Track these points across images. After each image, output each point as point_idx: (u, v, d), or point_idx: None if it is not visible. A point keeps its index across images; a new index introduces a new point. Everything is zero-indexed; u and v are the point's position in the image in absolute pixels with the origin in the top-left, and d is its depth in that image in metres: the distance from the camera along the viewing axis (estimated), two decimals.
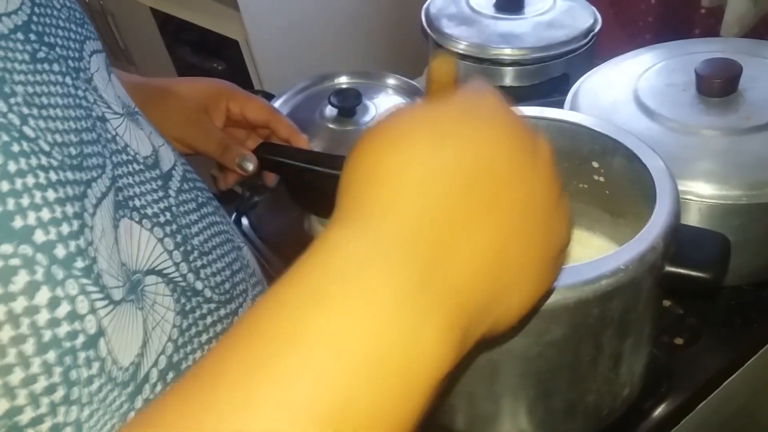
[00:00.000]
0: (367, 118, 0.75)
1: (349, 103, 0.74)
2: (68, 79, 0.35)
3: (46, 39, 0.34)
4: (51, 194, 0.29)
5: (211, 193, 0.49)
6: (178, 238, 0.39)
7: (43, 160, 0.29)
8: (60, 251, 0.29)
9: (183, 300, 0.38)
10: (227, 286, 0.43)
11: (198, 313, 0.39)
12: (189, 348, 0.37)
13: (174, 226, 0.39)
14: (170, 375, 0.36)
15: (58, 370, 0.28)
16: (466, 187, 0.25)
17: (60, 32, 0.36)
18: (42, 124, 0.30)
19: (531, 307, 0.28)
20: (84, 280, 0.29)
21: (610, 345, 0.47)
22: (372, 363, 0.22)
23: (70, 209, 0.30)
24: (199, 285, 0.40)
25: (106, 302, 0.31)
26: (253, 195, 0.86)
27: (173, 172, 0.43)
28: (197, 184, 0.46)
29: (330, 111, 0.76)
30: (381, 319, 0.22)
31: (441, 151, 0.25)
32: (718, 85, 0.60)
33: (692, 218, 0.56)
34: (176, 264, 0.38)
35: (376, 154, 0.26)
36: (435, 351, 0.23)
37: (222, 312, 0.41)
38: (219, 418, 0.20)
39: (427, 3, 0.85)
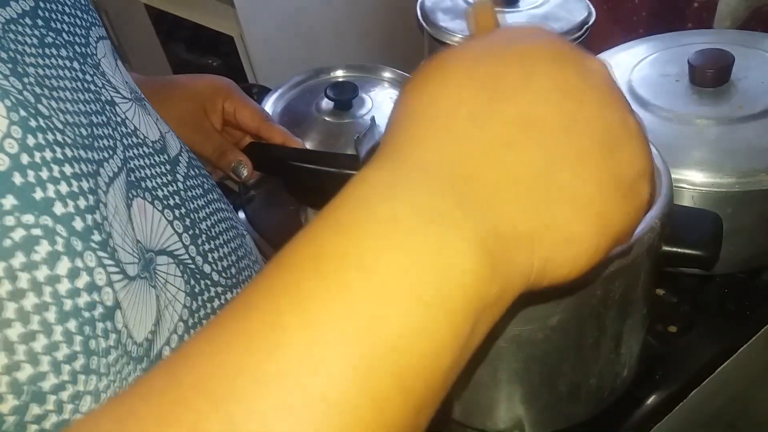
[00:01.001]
0: (364, 111, 0.76)
1: (346, 96, 0.75)
2: (76, 64, 0.35)
3: (53, 25, 0.35)
4: (68, 169, 0.29)
5: (214, 182, 0.50)
6: (187, 221, 0.40)
7: (59, 137, 0.30)
8: (78, 224, 0.29)
9: (192, 282, 0.38)
10: (233, 270, 0.43)
11: (206, 295, 0.40)
12: (199, 328, 0.38)
13: (183, 210, 0.40)
14: None
15: (78, 338, 0.29)
16: (496, 106, 0.24)
17: (66, 18, 0.37)
18: (54, 104, 0.31)
19: (605, 246, 0.25)
20: (101, 253, 0.30)
21: (612, 326, 0.48)
22: (400, 278, 0.20)
23: (85, 184, 0.30)
24: (207, 268, 0.40)
25: (121, 276, 0.31)
26: (250, 189, 0.87)
27: (180, 157, 0.43)
28: (202, 171, 0.46)
29: (326, 104, 0.76)
30: (405, 235, 0.21)
31: (471, 76, 0.25)
32: (711, 75, 0.60)
33: (686, 205, 0.57)
34: (185, 246, 0.39)
35: (409, 95, 0.26)
36: (467, 269, 0.21)
37: (229, 296, 0.42)
38: (249, 343, 0.20)
39: None
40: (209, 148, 0.63)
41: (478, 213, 0.22)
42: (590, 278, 0.41)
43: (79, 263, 0.29)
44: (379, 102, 0.77)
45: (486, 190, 0.23)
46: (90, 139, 0.33)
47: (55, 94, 0.31)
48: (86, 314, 0.29)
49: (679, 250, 0.47)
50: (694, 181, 0.56)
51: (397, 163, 0.23)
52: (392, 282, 0.20)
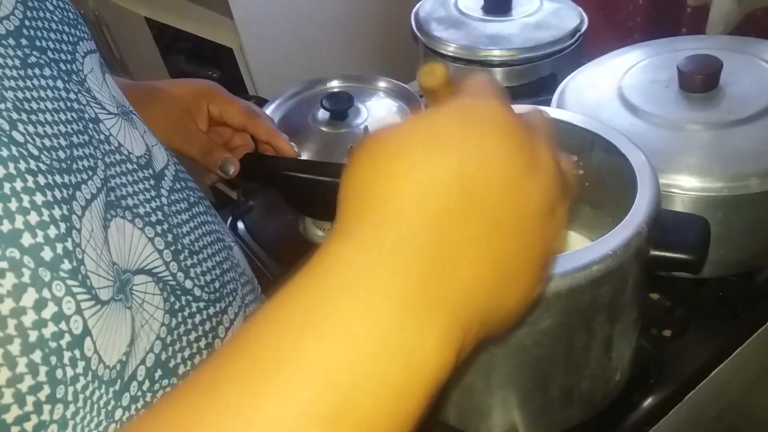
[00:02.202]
0: (359, 120, 0.77)
1: (341, 106, 0.76)
2: (59, 83, 0.35)
3: (37, 43, 0.35)
4: (39, 197, 0.29)
5: (202, 193, 0.50)
6: (169, 237, 0.40)
7: (32, 164, 0.30)
8: (47, 254, 0.29)
9: (172, 299, 0.38)
10: (216, 285, 0.44)
11: (187, 311, 0.40)
12: (177, 346, 0.38)
13: (165, 226, 0.40)
14: (158, 372, 0.36)
15: (44, 369, 0.29)
16: (465, 198, 0.25)
17: (52, 35, 0.37)
18: (31, 129, 0.31)
19: (521, 312, 0.28)
20: (71, 282, 0.30)
21: (601, 330, 0.48)
22: (370, 372, 0.22)
23: (57, 212, 0.30)
24: (188, 284, 0.40)
25: (92, 302, 0.31)
26: (249, 199, 0.88)
27: (166, 171, 0.44)
28: (189, 184, 0.47)
29: (322, 114, 0.77)
30: (378, 335, 0.22)
31: (438, 163, 0.25)
32: (700, 81, 0.61)
33: (676, 210, 0.58)
34: (166, 263, 0.39)
35: (374, 168, 0.25)
36: (435, 359, 0.23)
37: (211, 311, 0.42)
38: (217, 420, 0.20)
39: (416, 7, 0.86)
40: (195, 148, 0.63)
41: (444, 307, 0.24)
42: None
43: (46, 294, 0.29)
44: (374, 111, 0.78)
45: (456, 282, 0.24)
46: (68, 162, 0.33)
47: (33, 117, 0.32)
48: (52, 344, 0.29)
49: (667, 254, 0.47)
50: (683, 185, 0.56)
51: (366, 246, 0.24)
52: (365, 368, 0.22)
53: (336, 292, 0.22)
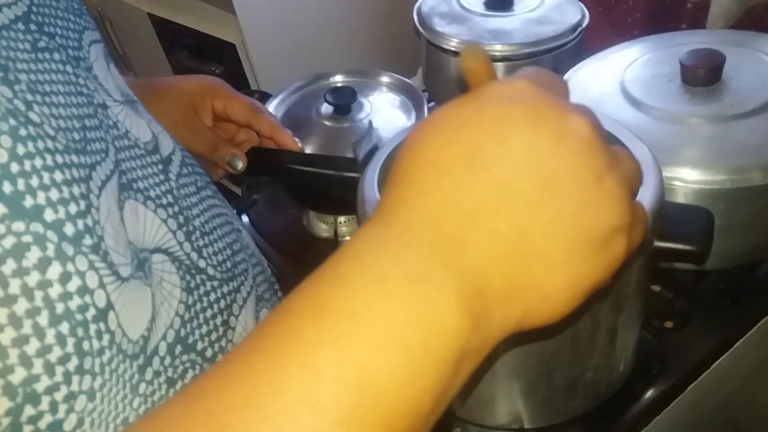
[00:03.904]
0: (362, 114, 0.77)
1: (345, 101, 0.76)
2: (69, 68, 0.36)
3: (45, 29, 0.35)
4: (58, 175, 0.30)
5: (209, 178, 0.51)
6: (180, 219, 0.41)
7: (49, 144, 0.30)
8: (69, 229, 0.30)
9: (188, 277, 0.39)
10: (228, 264, 0.44)
11: (202, 289, 0.41)
12: (195, 323, 0.39)
13: (176, 208, 0.41)
14: (178, 348, 0.37)
15: (71, 341, 0.29)
16: (477, 171, 0.26)
17: (59, 22, 0.37)
18: (46, 110, 0.32)
19: (579, 297, 0.27)
20: (93, 257, 0.31)
21: (606, 320, 0.49)
22: (390, 330, 0.23)
23: (76, 190, 0.31)
24: (202, 263, 0.41)
25: (114, 278, 0.32)
26: (253, 193, 0.88)
27: (172, 157, 0.44)
28: (196, 169, 0.47)
29: (326, 109, 0.78)
30: (395, 293, 0.24)
31: (453, 141, 0.26)
32: (702, 75, 0.62)
33: (679, 202, 0.58)
34: (180, 243, 0.40)
35: (404, 156, 0.28)
36: (450, 325, 0.24)
37: (225, 289, 0.43)
38: (255, 381, 0.23)
39: (418, 2, 0.87)
40: (202, 145, 0.64)
41: (460, 274, 0.25)
42: (576, 317, 0.43)
43: (70, 267, 0.30)
44: (377, 106, 0.79)
45: (467, 253, 0.25)
46: (82, 143, 0.33)
47: (47, 99, 0.32)
48: (78, 317, 0.30)
49: (670, 245, 0.48)
50: (686, 178, 0.57)
51: (388, 225, 0.26)
52: (382, 335, 0.23)
53: (352, 266, 0.25)
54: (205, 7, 1.27)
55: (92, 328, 0.30)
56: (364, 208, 0.50)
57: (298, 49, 1.30)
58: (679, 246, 0.48)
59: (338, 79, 0.84)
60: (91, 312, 0.30)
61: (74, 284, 0.30)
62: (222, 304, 0.42)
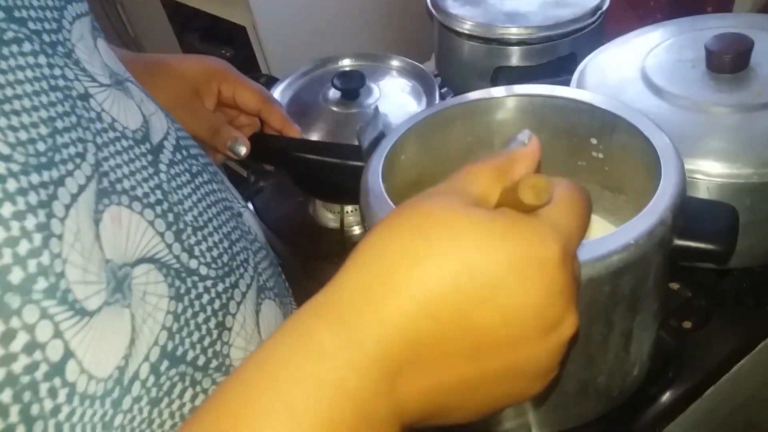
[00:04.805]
0: (371, 100, 0.74)
1: (353, 85, 0.73)
2: (42, 58, 0.32)
3: (16, 14, 0.32)
4: (7, 209, 0.26)
5: (207, 158, 0.48)
6: (170, 217, 0.38)
7: (1, 168, 0.27)
8: (16, 275, 0.26)
9: (177, 283, 0.37)
10: (225, 258, 0.42)
11: (194, 293, 0.38)
12: (185, 332, 0.36)
13: (165, 205, 0.38)
14: (164, 364, 0.34)
15: (15, 409, 0.26)
16: (460, 331, 0.25)
17: (34, 2, 0.34)
18: (4, 122, 0.28)
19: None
20: (46, 302, 0.27)
21: (620, 322, 0.46)
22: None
23: (31, 222, 0.27)
24: (193, 263, 0.38)
25: (76, 319, 0.29)
26: (259, 180, 0.86)
27: (164, 142, 0.41)
28: (192, 151, 0.44)
29: (333, 94, 0.75)
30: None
31: (459, 285, 0.25)
32: (729, 61, 0.58)
33: (702, 197, 0.55)
34: (168, 245, 0.37)
35: (391, 249, 0.26)
36: None
37: (220, 287, 0.40)
38: None
39: None
40: (202, 128, 0.61)
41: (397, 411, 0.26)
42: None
43: (14, 323, 0.26)
44: (386, 91, 0.76)
45: (415, 391, 0.26)
46: (50, 153, 0.30)
47: (6, 107, 0.29)
48: (24, 379, 0.26)
49: (692, 243, 0.45)
50: (710, 171, 0.54)
51: (349, 336, 0.25)
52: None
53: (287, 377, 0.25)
54: None
55: (43, 387, 0.27)
56: (367, 199, 0.47)
57: (310, 32, 1.27)
58: (701, 245, 0.45)
59: (346, 63, 0.81)
60: (42, 369, 0.27)
61: (19, 342, 0.26)
62: (217, 304, 0.39)
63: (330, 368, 0.24)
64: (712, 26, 0.65)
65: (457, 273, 0.25)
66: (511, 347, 0.26)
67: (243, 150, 0.63)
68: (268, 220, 0.80)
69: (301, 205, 0.82)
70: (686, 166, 0.54)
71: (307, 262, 0.75)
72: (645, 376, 0.55)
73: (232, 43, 1.33)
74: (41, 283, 0.27)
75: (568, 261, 0.27)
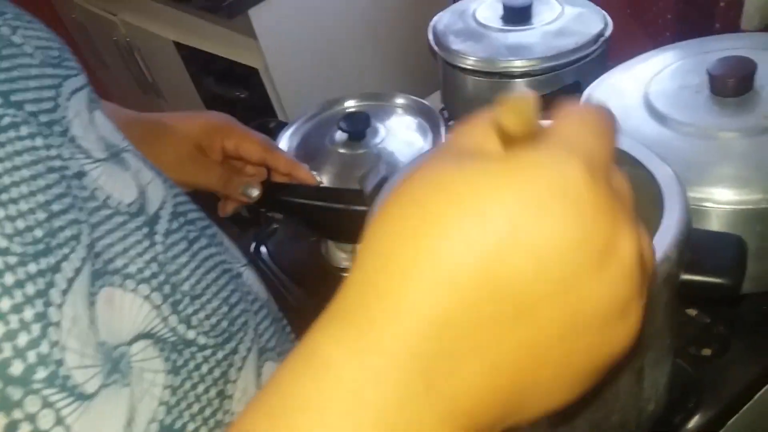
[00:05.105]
0: (377, 140, 0.75)
1: (358, 127, 0.74)
2: (39, 140, 0.33)
3: (12, 98, 0.33)
4: (5, 303, 0.27)
5: (207, 221, 0.48)
6: (166, 289, 0.38)
7: None
8: (16, 368, 0.27)
9: (174, 356, 0.37)
10: (224, 324, 0.42)
11: (192, 364, 0.38)
12: (184, 404, 0.36)
13: (162, 278, 0.38)
14: None
15: None
16: (490, 294, 0.20)
17: (31, 83, 0.35)
18: (1, 212, 0.29)
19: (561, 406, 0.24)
20: (47, 391, 0.28)
21: (630, 361, 0.45)
22: None
23: (29, 313, 0.28)
24: (191, 334, 0.39)
25: (77, 404, 0.29)
26: (272, 222, 0.87)
27: (161, 212, 0.42)
28: (189, 216, 0.45)
29: (340, 136, 0.76)
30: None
31: (470, 243, 0.20)
32: (732, 84, 0.57)
33: (711, 225, 0.54)
34: (165, 319, 0.37)
35: (398, 230, 0.21)
36: None
37: (219, 355, 0.40)
38: None
39: (434, 20, 0.84)
40: (214, 179, 0.62)
41: (453, 418, 0.21)
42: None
43: (17, 415, 0.26)
44: (393, 129, 0.76)
45: (463, 391, 0.21)
46: (47, 239, 0.30)
47: (5, 197, 0.29)
48: None
49: (699, 278, 0.44)
50: (718, 199, 0.53)
51: (363, 350, 0.21)
52: None
53: (321, 401, 0.20)
54: (227, 34, 1.28)
55: None
56: None
57: (320, 73, 1.29)
58: (709, 278, 0.44)
59: (351, 104, 0.82)
60: None
61: None
62: (216, 373, 0.39)
63: (338, 382, 0.20)
64: (717, 48, 0.65)
65: (465, 231, 0.20)
66: (561, 294, 0.21)
67: (255, 192, 0.64)
68: (281, 263, 0.80)
69: (313, 246, 0.82)
70: (693, 195, 0.53)
71: (320, 303, 0.75)
72: (664, 408, 0.53)
73: (246, 85, 1.35)
74: (41, 373, 0.27)
75: (599, 175, 0.21)
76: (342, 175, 0.73)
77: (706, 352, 0.60)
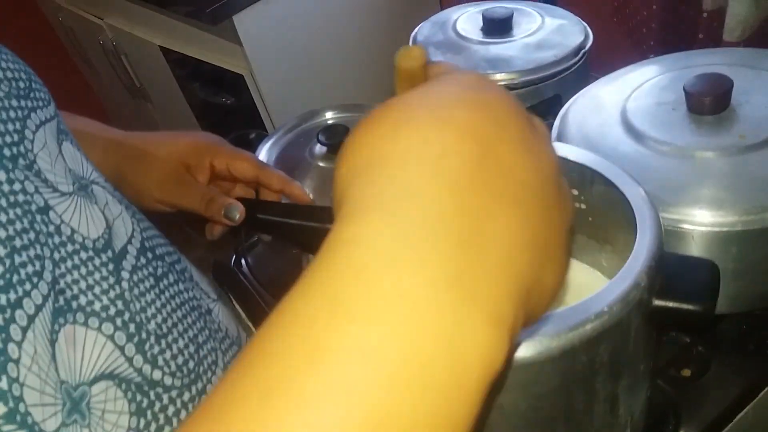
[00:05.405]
0: None
1: (338, 140, 0.73)
2: (1, 175, 0.33)
3: None
4: None
5: (176, 255, 0.48)
6: (132, 327, 0.37)
7: None
8: None
9: (139, 397, 0.36)
10: (191, 365, 0.41)
11: (158, 406, 0.37)
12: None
13: (126, 316, 0.38)
14: None
15: None
16: (479, 161, 0.22)
17: None
18: None
19: (559, 288, 0.25)
20: (6, 428, 0.28)
21: (603, 389, 0.45)
22: (413, 368, 0.18)
23: None
24: (156, 374, 0.38)
25: None
26: (251, 236, 0.86)
27: (128, 247, 0.41)
28: (158, 252, 0.44)
29: (320, 149, 0.75)
30: (417, 317, 0.19)
31: (447, 126, 0.22)
32: (709, 103, 0.57)
33: (688, 247, 0.53)
34: (129, 359, 0.36)
35: (376, 141, 0.23)
36: (486, 343, 0.19)
37: (186, 396, 0.40)
38: None
39: (414, 31, 0.83)
40: (195, 200, 0.61)
41: (491, 278, 0.20)
42: None
43: None
44: None
45: (491, 249, 0.21)
46: (8, 276, 0.30)
47: None
48: None
49: (670, 304, 0.43)
50: (694, 220, 0.52)
51: (389, 223, 0.20)
52: (403, 372, 0.18)
53: (355, 289, 0.19)
54: (213, 39, 1.27)
55: None
56: None
57: (306, 78, 1.29)
58: (681, 305, 0.43)
59: (330, 116, 0.81)
60: None
61: None
62: (183, 415, 0.39)
63: (376, 258, 0.19)
64: (696, 64, 0.64)
65: (431, 115, 0.23)
66: (524, 150, 0.23)
67: (237, 214, 0.63)
68: (261, 278, 0.79)
69: (295, 258, 0.81)
70: (670, 216, 0.53)
71: None
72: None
73: (232, 91, 1.35)
74: (0, 409, 0.27)
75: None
76: (322, 189, 0.72)
77: (686, 372, 0.59)
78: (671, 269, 0.44)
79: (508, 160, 0.22)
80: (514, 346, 0.22)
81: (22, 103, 0.38)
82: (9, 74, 0.38)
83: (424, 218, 0.20)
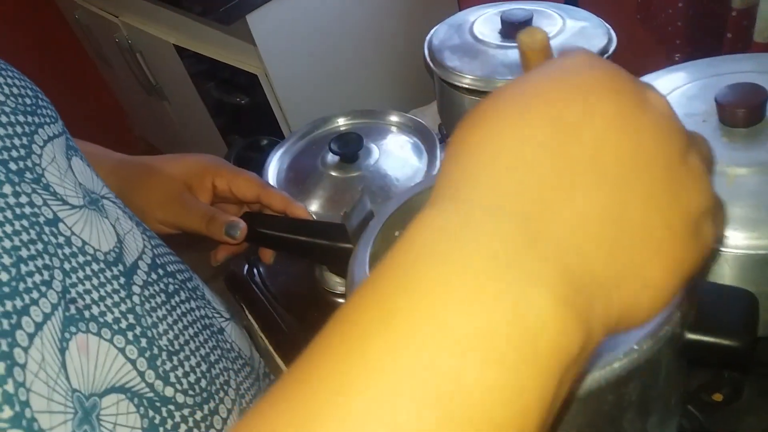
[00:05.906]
0: (371, 161, 0.72)
1: (351, 149, 0.71)
2: (7, 188, 0.33)
3: None
4: None
5: (188, 273, 0.47)
6: (143, 342, 0.37)
7: None
8: None
9: (151, 413, 0.35)
10: (203, 383, 0.40)
11: (170, 423, 0.36)
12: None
13: (138, 330, 0.37)
14: None
15: None
16: (560, 144, 0.22)
17: (1, 130, 0.35)
18: None
19: (677, 287, 0.24)
20: (13, 431, 0.27)
21: (632, 427, 0.42)
22: (476, 338, 0.19)
23: None
24: (168, 391, 0.37)
25: None
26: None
27: (139, 262, 0.41)
28: (169, 269, 0.43)
29: (332, 157, 0.73)
30: (481, 289, 0.19)
31: (528, 114, 0.23)
32: (743, 114, 0.53)
33: (721, 271, 0.50)
34: (141, 373, 0.36)
35: (465, 131, 0.24)
36: (549, 322, 0.19)
37: (198, 415, 0.39)
38: (315, 413, 0.19)
39: (429, 35, 0.80)
40: (196, 220, 0.60)
41: (555, 259, 0.21)
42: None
43: None
44: (386, 149, 0.73)
45: (560, 235, 0.21)
46: (13, 283, 0.30)
47: None
48: None
49: (706, 338, 0.41)
50: (727, 242, 0.49)
51: (461, 205, 0.22)
52: (469, 342, 0.19)
53: (424, 262, 0.20)
54: (227, 39, 1.26)
55: None
56: (352, 290, 0.44)
57: (320, 78, 1.27)
58: (716, 340, 0.40)
59: (344, 122, 0.79)
60: None
61: None
62: None
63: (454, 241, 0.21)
64: (727, 71, 0.60)
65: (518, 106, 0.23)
66: (610, 137, 0.23)
67: (238, 232, 0.61)
68: (272, 289, 0.77)
69: (307, 269, 0.79)
70: None
71: (311, 331, 0.72)
72: None
73: (246, 90, 1.33)
74: (6, 412, 0.27)
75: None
76: (334, 199, 0.70)
77: (718, 397, 0.56)
78: (706, 299, 0.41)
79: (594, 142, 0.22)
80: (591, 340, 0.21)
81: (29, 119, 0.38)
82: (15, 90, 0.38)
83: (493, 200, 0.21)
